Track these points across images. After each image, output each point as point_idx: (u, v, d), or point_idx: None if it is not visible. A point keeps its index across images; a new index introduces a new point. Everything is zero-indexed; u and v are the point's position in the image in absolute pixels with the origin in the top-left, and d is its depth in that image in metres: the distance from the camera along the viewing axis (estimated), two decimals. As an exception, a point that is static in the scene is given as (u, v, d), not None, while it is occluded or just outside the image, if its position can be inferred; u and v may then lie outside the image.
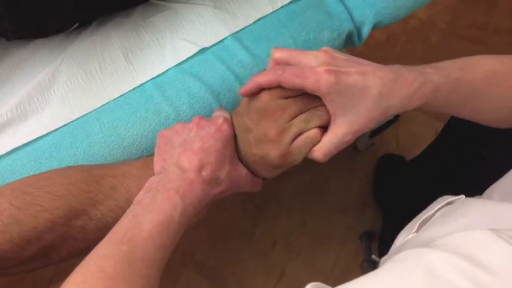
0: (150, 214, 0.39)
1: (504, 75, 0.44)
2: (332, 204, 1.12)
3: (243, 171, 0.46)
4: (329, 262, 1.07)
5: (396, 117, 1.10)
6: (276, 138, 0.43)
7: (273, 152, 0.44)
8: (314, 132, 0.44)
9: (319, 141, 0.44)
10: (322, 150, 0.43)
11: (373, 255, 1.02)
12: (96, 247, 0.37)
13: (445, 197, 0.48)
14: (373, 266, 1.02)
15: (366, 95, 0.40)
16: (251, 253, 1.08)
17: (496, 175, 0.51)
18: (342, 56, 0.42)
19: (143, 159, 0.49)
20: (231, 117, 0.48)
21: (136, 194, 0.43)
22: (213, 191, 0.44)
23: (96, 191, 0.43)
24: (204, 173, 0.42)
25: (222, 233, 1.10)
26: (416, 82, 0.41)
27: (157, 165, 0.45)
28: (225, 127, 0.45)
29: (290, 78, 0.41)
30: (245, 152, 0.46)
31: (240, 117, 0.47)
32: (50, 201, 0.41)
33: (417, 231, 0.45)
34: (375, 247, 1.07)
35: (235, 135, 0.47)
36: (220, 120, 0.46)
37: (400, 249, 0.34)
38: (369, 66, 0.42)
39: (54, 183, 0.43)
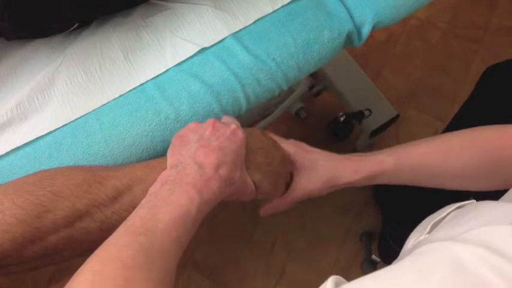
0: (168, 207, 0.39)
1: (456, 147, 0.54)
2: (332, 204, 1.12)
3: (248, 178, 0.49)
4: (329, 262, 1.07)
5: (396, 117, 1.10)
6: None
7: (286, 174, 0.55)
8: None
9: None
10: (285, 196, 0.57)
11: (373, 255, 1.02)
12: (111, 236, 0.37)
13: (455, 203, 0.48)
14: (373, 266, 1.02)
15: (315, 166, 0.55)
16: (251, 253, 1.08)
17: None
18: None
19: (146, 161, 0.49)
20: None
21: (140, 197, 0.43)
22: (227, 190, 0.45)
23: (100, 192, 0.43)
24: (221, 171, 0.43)
25: (222, 233, 1.10)
26: (360, 161, 0.55)
27: (172, 159, 0.46)
28: (240, 132, 0.48)
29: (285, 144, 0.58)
30: (269, 162, 0.52)
31: (265, 136, 0.54)
32: (53, 201, 0.41)
33: (429, 232, 0.45)
34: (375, 247, 1.07)
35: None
36: (234, 126, 0.49)
37: (413, 249, 0.34)
38: (321, 150, 0.58)
39: (57, 183, 0.42)
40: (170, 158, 0.46)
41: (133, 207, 0.42)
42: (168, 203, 0.39)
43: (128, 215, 0.40)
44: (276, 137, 0.57)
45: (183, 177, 0.42)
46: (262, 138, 0.53)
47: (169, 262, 0.36)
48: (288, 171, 0.55)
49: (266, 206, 0.58)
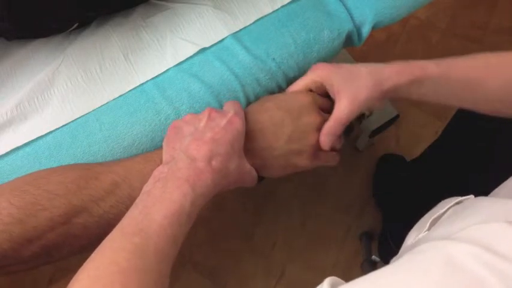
0: (161, 204, 0.38)
1: (498, 65, 0.50)
2: (332, 204, 1.12)
3: (248, 166, 0.47)
4: (329, 262, 1.07)
5: (396, 117, 1.10)
6: (318, 129, 0.51)
7: (307, 148, 0.50)
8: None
9: None
10: (327, 128, 0.50)
11: (373, 255, 1.02)
12: (106, 239, 0.37)
13: (453, 198, 0.48)
14: (373, 266, 1.02)
15: (359, 74, 0.50)
16: (251, 253, 1.08)
17: (495, 176, 0.51)
18: None
19: (144, 154, 0.48)
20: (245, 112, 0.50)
21: (138, 189, 0.42)
22: (222, 182, 0.44)
23: (96, 187, 0.43)
24: (214, 163, 0.42)
25: (222, 233, 1.10)
26: (403, 65, 0.50)
27: (166, 155, 0.45)
28: (237, 119, 0.46)
29: (311, 74, 0.53)
30: (268, 146, 0.49)
31: (266, 113, 0.50)
32: (49, 199, 0.41)
33: (428, 229, 0.45)
34: (375, 247, 1.07)
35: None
36: (232, 113, 0.47)
37: (413, 247, 0.34)
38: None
39: (53, 181, 0.42)
40: (164, 154, 0.46)
41: (131, 200, 0.41)
42: (161, 200, 0.39)
43: (125, 208, 0.40)
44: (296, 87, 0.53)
45: (175, 172, 0.41)
46: (259, 117, 0.50)
47: (164, 263, 0.36)
48: (314, 122, 0.50)
49: (322, 133, 0.51)
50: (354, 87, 0.49)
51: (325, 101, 0.53)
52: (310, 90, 0.54)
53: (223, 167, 0.43)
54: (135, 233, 0.36)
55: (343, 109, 0.49)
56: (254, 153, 0.48)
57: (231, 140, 0.45)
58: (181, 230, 0.39)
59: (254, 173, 0.48)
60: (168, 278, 0.37)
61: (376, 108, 0.53)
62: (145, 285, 0.33)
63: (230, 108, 0.48)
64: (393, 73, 0.50)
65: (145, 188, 0.42)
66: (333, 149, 0.53)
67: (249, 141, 0.48)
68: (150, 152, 0.49)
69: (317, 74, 0.52)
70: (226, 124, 0.45)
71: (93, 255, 0.35)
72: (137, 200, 0.41)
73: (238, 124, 0.46)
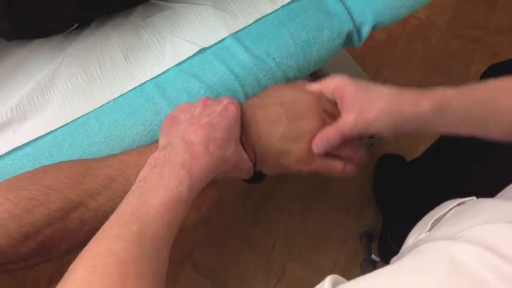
0: (158, 191, 0.38)
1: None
2: (332, 204, 1.12)
3: (245, 155, 0.47)
4: (329, 262, 1.07)
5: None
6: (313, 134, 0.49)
7: (299, 152, 0.49)
8: None
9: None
10: (323, 132, 0.48)
11: (373, 255, 1.02)
12: (104, 227, 0.36)
13: (455, 199, 0.48)
14: (373, 266, 1.02)
15: (375, 92, 0.47)
16: (251, 253, 1.08)
17: (496, 176, 0.51)
18: None
19: (140, 148, 0.48)
20: (242, 106, 0.49)
21: (133, 182, 0.42)
22: (219, 168, 0.43)
23: (93, 182, 0.43)
24: (211, 147, 0.42)
25: (222, 233, 1.10)
26: (422, 91, 0.47)
27: (162, 141, 0.44)
28: (232, 107, 0.46)
29: (326, 81, 0.52)
30: (260, 142, 0.48)
31: (263, 110, 0.49)
32: (46, 195, 0.41)
33: (430, 230, 0.45)
34: (375, 247, 1.07)
35: (244, 123, 0.48)
36: (226, 101, 0.47)
37: (413, 248, 0.34)
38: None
39: (50, 177, 0.42)
40: (160, 140, 0.45)
41: (127, 193, 0.41)
42: (158, 187, 0.38)
43: (121, 201, 0.40)
44: (305, 84, 0.52)
45: (171, 158, 0.41)
46: (255, 113, 0.49)
47: (162, 250, 0.36)
48: (315, 123, 0.49)
49: (318, 135, 0.49)
50: (365, 102, 0.47)
51: (335, 108, 0.51)
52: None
53: (220, 152, 0.43)
54: (132, 221, 0.36)
55: (346, 119, 0.47)
56: (248, 146, 0.48)
57: (227, 126, 0.44)
58: (178, 216, 0.38)
59: (250, 163, 0.48)
60: (166, 264, 0.36)
61: (385, 135, 0.51)
62: (143, 274, 0.33)
63: (225, 98, 0.48)
64: (412, 99, 0.47)
65: (142, 173, 0.41)
66: (336, 156, 0.51)
67: (243, 135, 0.48)
68: (145, 146, 0.48)
69: (333, 83, 0.50)
70: (221, 110, 0.45)
71: (90, 243, 0.35)
72: (133, 187, 0.40)
73: (234, 111, 0.46)
